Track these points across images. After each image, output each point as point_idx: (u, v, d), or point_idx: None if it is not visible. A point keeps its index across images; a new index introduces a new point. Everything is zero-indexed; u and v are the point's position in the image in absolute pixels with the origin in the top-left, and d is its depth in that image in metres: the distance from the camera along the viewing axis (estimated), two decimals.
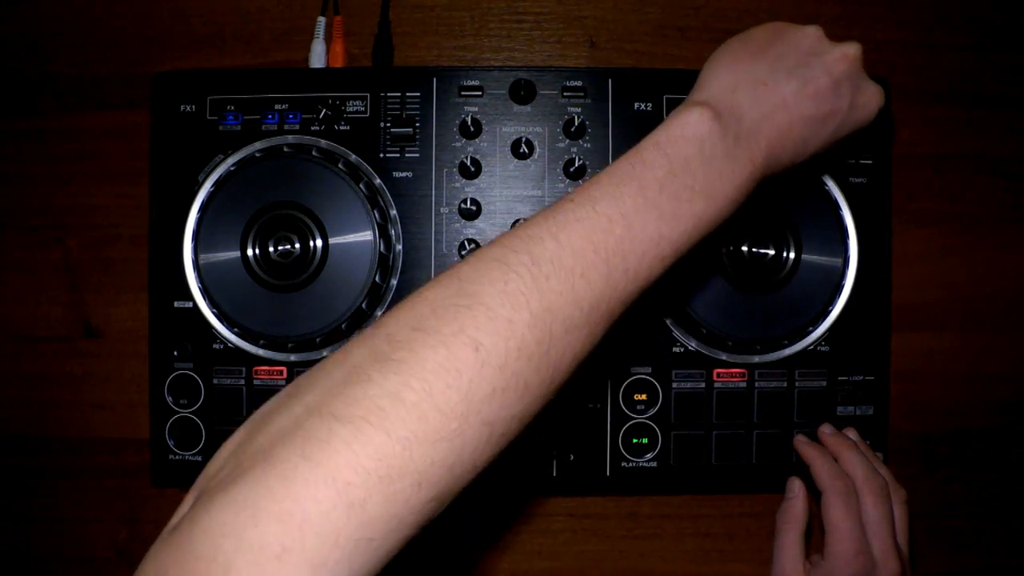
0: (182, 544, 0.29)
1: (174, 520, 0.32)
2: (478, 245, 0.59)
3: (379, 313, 0.58)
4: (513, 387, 0.33)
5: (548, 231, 0.35)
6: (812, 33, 0.46)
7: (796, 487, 0.56)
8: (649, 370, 0.59)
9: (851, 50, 0.45)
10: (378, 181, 0.59)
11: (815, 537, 0.59)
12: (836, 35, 0.65)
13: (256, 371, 0.58)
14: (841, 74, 0.45)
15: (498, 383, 0.32)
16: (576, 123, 0.59)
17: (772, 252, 0.57)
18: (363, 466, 0.29)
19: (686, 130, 0.40)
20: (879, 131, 0.60)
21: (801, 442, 0.57)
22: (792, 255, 0.57)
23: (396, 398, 0.30)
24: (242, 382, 0.58)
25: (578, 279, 0.34)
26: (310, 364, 0.58)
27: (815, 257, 0.58)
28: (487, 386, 0.32)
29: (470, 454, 0.32)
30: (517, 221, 0.59)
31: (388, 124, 0.59)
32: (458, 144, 0.59)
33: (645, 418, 0.59)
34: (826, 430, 0.58)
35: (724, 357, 0.59)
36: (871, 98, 0.46)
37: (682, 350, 0.59)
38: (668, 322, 0.59)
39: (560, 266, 0.34)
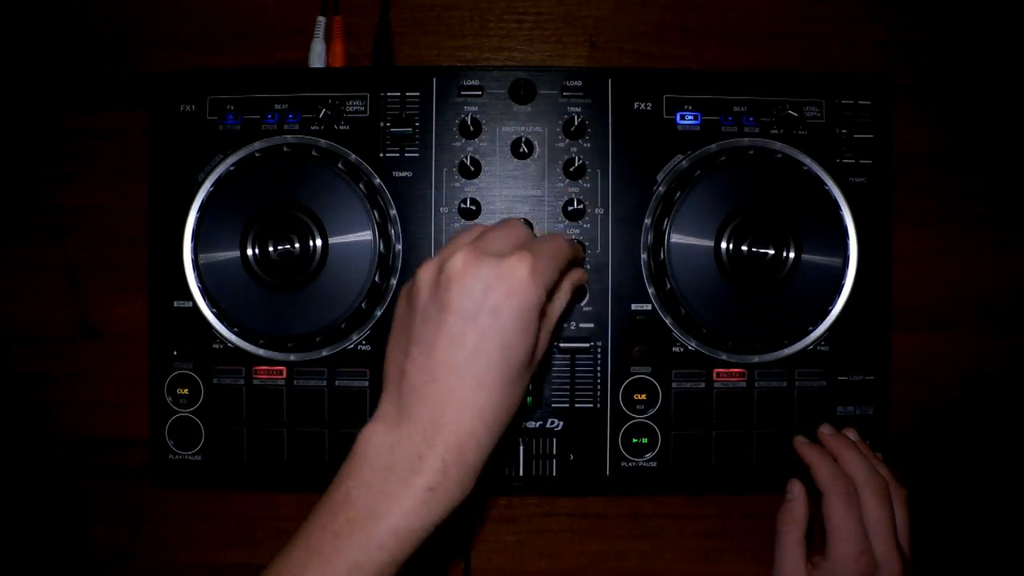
0: None
1: None
2: None
3: (378, 313, 0.58)
4: None
5: None
6: (422, 277, 0.42)
7: (796, 489, 0.56)
8: (649, 370, 0.59)
9: (451, 265, 0.40)
10: (378, 181, 0.59)
11: (815, 538, 0.59)
12: (837, 34, 0.66)
13: (256, 371, 0.58)
14: (457, 299, 0.40)
15: None
16: (576, 123, 0.59)
17: (772, 252, 0.57)
18: None
19: (350, 465, 0.41)
20: (879, 131, 0.60)
21: (801, 443, 0.57)
22: (792, 255, 0.57)
23: None
24: (242, 382, 0.58)
25: None
26: (310, 364, 0.58)
27: (815, 257, 0.58)
28: None
29: None
30: None
31: (388, 124, 0.59)
32: (458, 144, 0.59)
33: (645, 418, 0.59)
34: (825, 430, 0.58)
35: (724, 357, 0.59)
36: (508, 284, 0.40)
37: (682, 350, 0.59)
38: (668, 322, 0.59)
39: None
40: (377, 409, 0.42)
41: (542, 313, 0.43)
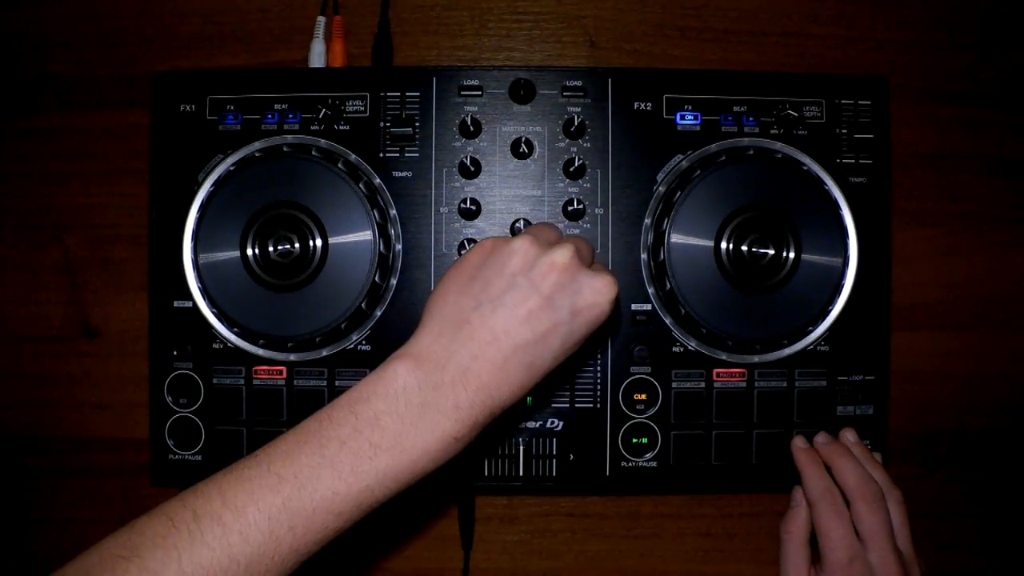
0: None
1: None
2: None
3: (378, 313, 0.58)
4: None
5: (218, 488, 0.37)
6: (520, 248, 0.43)
7: (799, 496, 0.56)
8: (649, 370, 0.59)
9: (559, 257, 0.42)
10: (378, 181, 0.59)
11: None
12: (837, 35, 0.66)
13: (256, 371, 0.58)
14: (551, 287, 0.42)
15: None
16: (576, 123, 0.59)
17: (772, 252, 0.57)
18: None
19: (380, 386, 0.40)
20: (879, 131, 0.60)
21: (796, 448, 0.57)
22: (792, 255, 0.57)
23: None
24: (241, 382, 0.58)
25: (234, 536, 0.36)
26: (310, 364, 0.58)
27: (815, 257, 0.57)
28: None
29: None
30: (516, 221, 0.59)
31: (388, 124, 0.59)
32: (458, 144, 0.59)
33: (645, 418, 0.59)
34: (820, 439, 0.57)
35: (724, 357, 0.59)
36: (595, 297, 0.43)
37: (682, 350, 0.59)
38: (668, 322, 0.59)
39: (218, 522, 0.36)
40: (415, 344, 0.42)
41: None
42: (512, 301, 0.42)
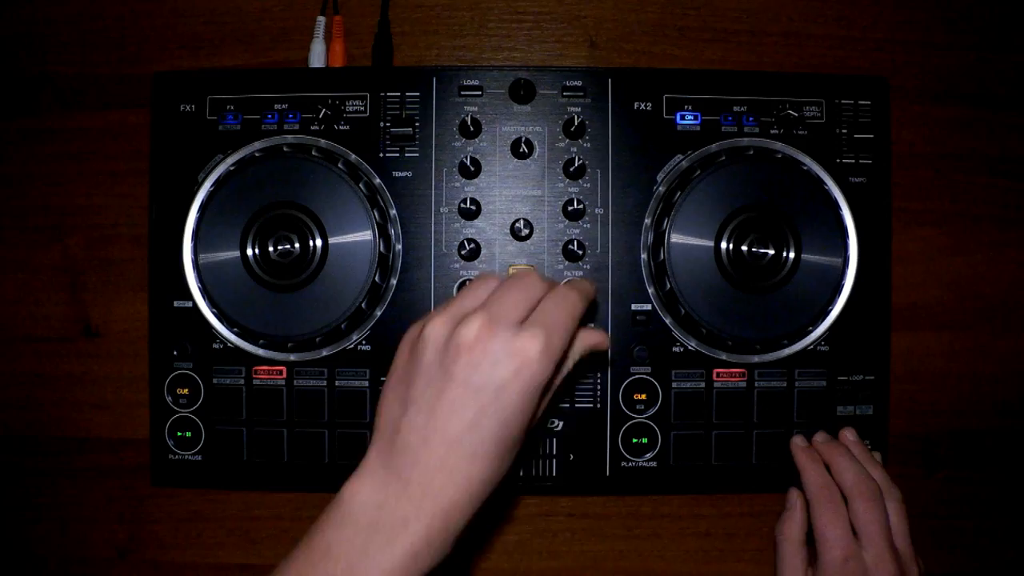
0: None
1: None
2: (477, 245, 0.59)
3: (378, 313, 0.58)
4: None
5: None
6: (429, 336, 0.40)
7: (794, 497, 0.56)
8: (649, 370, 0.59)
9: (465, 334, 0.39)
10: (378, 181, 0.59)
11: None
12: (837, 35, 0.66)
13: (256, 371, 0.58)
14: (463, 371, 0.39)
15: None
16: (576, 123, 0.59)
17: (772, 252, 0.57)
18: None
19: (333, 511, 0.39)
20: (879, 131, 0.60)
21: (796, 446, 0.57)
22: (792, 255, 0.57)
23: None
24: (242, 382, 0.58)
25: None
26: (310, 364, 0.58)
27: (815, 257, 0.58)
28: None
29: None
30: (516, 221, 0.59)
31: (388, 124, 0.59)
32: (458, 144, 0.59)
33: (645, 418, 0.59)
34: (819, 438, 0.58)
35: (724, 357, 0.59)
36: (516, 363, 0.39)
37: (682, 350, 0.59)
38: (668, 322, 0.59)
39: None
40: (366, 459, 0.41)
41: (546, 387, 0.41)
42: (431, 397, 0.39)
